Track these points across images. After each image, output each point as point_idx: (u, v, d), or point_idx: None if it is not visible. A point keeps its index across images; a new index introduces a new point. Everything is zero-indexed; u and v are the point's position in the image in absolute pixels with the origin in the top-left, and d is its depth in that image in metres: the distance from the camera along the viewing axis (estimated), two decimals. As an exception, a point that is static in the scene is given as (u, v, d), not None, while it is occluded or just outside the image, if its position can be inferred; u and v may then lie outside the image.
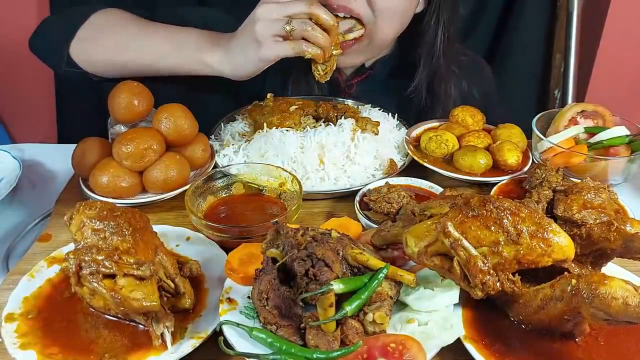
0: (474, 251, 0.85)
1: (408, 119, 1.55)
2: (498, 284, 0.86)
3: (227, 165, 1.29)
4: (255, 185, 1.26)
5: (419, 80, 1.56)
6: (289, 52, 1.24)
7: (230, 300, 0.94)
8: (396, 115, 1.53)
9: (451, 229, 0.85)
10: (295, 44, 1.24)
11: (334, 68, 1.35)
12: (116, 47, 1.40)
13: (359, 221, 1.17)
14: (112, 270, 0.88)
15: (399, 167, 1.37)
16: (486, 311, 0.92)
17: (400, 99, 1.60)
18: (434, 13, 1.50)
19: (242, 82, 1.60)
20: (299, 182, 1.20)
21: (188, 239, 1.13)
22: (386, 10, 1.39)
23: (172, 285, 0.96)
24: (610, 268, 1.02)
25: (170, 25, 1.40)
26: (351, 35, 1.38)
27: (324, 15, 1.24)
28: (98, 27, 1.43)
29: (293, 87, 1.58)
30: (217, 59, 1.32)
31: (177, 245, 1.11)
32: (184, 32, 1.38)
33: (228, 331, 0.88)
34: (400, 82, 1.59)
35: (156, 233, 1.04)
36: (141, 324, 0.92)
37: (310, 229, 0.96)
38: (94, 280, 0.88)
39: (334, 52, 1.31)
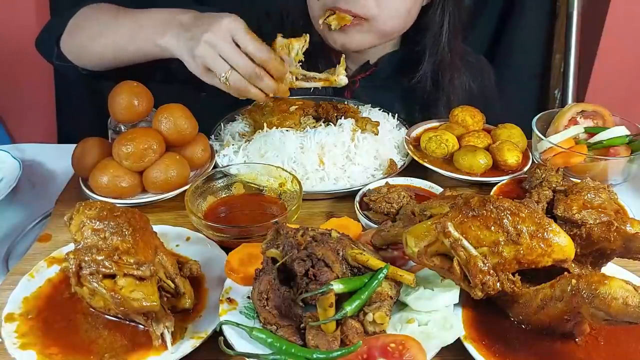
0: (474, 251, 0.85)
1: (412, 113, 1.55)
2: (498, 284, 0.86)
3: (227, 165, 1.29)
4: (255, 185, 1.26)
5: (425, 70, 1.56)
6: (220, 87, 1.22)
7: (230, 300, 0.94)
8: (396, 115, 1.53)
9: (451, 229, 0.85)
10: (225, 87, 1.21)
11: (287, 92, 1.29)
12: (91, 35, 1.38)
13: (359, 221, 1.17)
14: (112, 271, 0.88)
15: (399, 167, 1.37)
16: (486, 311, 0.92)
17: (404, 93, 1.61)
18: (440, 4, 1.51)
19: None
20: (299, 182, 1.20)
21: (188, 239, 1.13)
22: (390, 6, 1.40)
23: (172, 285, 0.96)
24: (610, 268, 1.02)
25: (143, 10, 1.35)
26: (304, 84, 1.31)
27: (273, 63, 1.20)
28: (81, 16, 1.43)
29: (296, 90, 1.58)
30: (173, 43, 1.24)
31: (177, 245, 1.11)
32: (148, 13, 1.32)
33: (228, 331, 0.88)
34: (404, 77, 1.59)
35: (156, 233, 1.04)
36: (141, 324, 0.92)
37: (310, 229, 0.96)
38: (94, 280, 0.88)
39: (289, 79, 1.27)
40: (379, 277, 0.89)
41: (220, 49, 1.17)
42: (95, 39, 1.38)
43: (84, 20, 1.42)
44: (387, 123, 1.49)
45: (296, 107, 1.45)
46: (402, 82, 1.61)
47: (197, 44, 1.17)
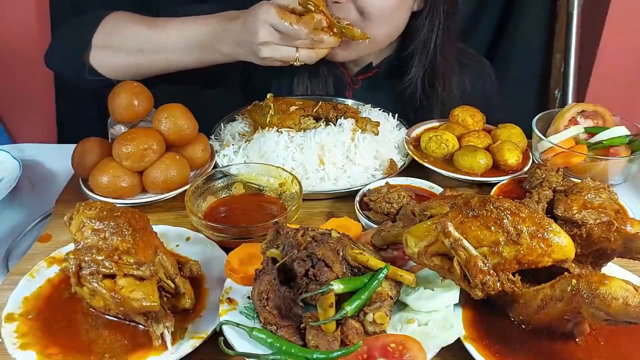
0: (474, 251, 0.85)
1: (410, 117, 1.55)
2: (498, 284, 0.86)
3: (227, 165, 1.29)
4: (255, 185, 1.26)
5: (413, 76, 1.56)
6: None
7: (230, 300, 0.94)
8: (396, 115, 1.53)
9: (451, 229, 0.85)
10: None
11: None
12: (132, 51, 1.42)
13: (359, 221, 1.17)
14: (112, 271, 0.88)
15: (399, 167, 1.37)
16: (486, 311, 0.92)
17: (400, 97, 1.61)
18: (429, 10, 1.50)
19: (247, 82, 1.62)
20: (299, 182, 1.20)
21: (188, 239, 1.13)
22: (374, 13, 1.39)
23: (172, 285, 0.96)
24: (610, 268, 1.02)
25: (175, 20, 1.42)
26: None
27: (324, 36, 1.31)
28: (110, 32, 1.45)
29: (298, 87, 1.58)
30: (237, 51, 1.35)
31: (177, 245, 1.11)
32: (194, 26, 1.39)
33: (228, 331, 0.88)
34: (398, 82, 1.59)
35: (156, 233, 1.04)
36: (141, 324, 0.92)
37: (310, 229, 0.96)
38: (94, 280, 0.88)
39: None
40: (379, 277, 0.89)
41: (278, 42, 1.28)
42: (138, 56, 1.42)
43: (114, 35, 1.44)
44: (387, 123, 1.49)
45: (296, 107, 1.45)
46: (396, 88, 1.61)
47: (257, 50, 1.29)
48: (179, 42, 1.39)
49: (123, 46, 1.43)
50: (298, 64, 1.32)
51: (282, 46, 1.29)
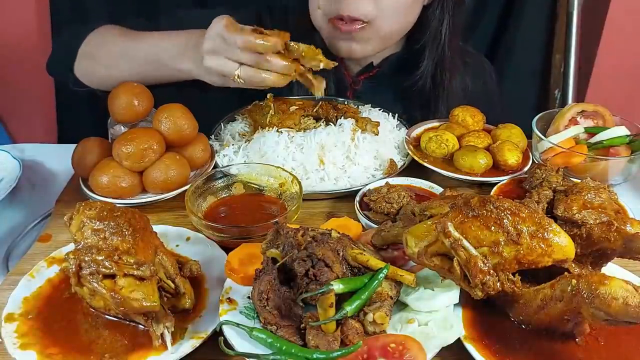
0: (474, 251, 0.85)
1: (413, 114, 1.55)
2: (498, 284, 0.86)
3: (227, 165, 1.29)
4: (255, 185, 1.26)
5: (424, 69, 1.57)
6: (241, 86, 1.24)
7: (230, 300, 0.94)
8: (396, 115, 1.53)
9: (451, 229, 0.85)
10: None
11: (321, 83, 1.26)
12: (111, 64, 1.42)
13: (359, 221, 1.17)
14: (112, 271, 0.88)
15: (399, 167, 1.37)
16: (486, 311, 0.92)
17: (405, 93, 1.61)
18: (440, 2, 1.52)
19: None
20: (299, 182, 1.20)
21: (188, 239, 1.13)
22: (391, 7, 1.41)
23: (172, 285, 0.96)
24: (610, 268, 1.02)
25: (153, 34, 1.40)
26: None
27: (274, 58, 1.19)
28: (93, 45, 1.45)
29: (299, 90, 1.58)
30: (192, 66, 1.29)
31: (177, 245, 1.11)
32: (161, 41, 1.37)
33: (228, 331, 0.88)
34: (406, 77, 1.60)
35: (156, 233, 1.04)
36: (141, 324, 0.92)
37: (310, 229, 0.96)
38: (94, 280, 0.88)
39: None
40: (379, 277, 0.89)
41: (221, 53, 1.20)
42: (117, 69, 1.41)
43: (96, 48, 1.44)
44: (388, 123, 1.49)
45: (296, 107, 1.45)
46: (404, 83, 1.61)
47: (203, 59, 1.23)
48: (147, 56, 1.37)
49: (101, 59, 1.43)
50: (238, 81, 1.21)
51: (225, 58, 1.20)
